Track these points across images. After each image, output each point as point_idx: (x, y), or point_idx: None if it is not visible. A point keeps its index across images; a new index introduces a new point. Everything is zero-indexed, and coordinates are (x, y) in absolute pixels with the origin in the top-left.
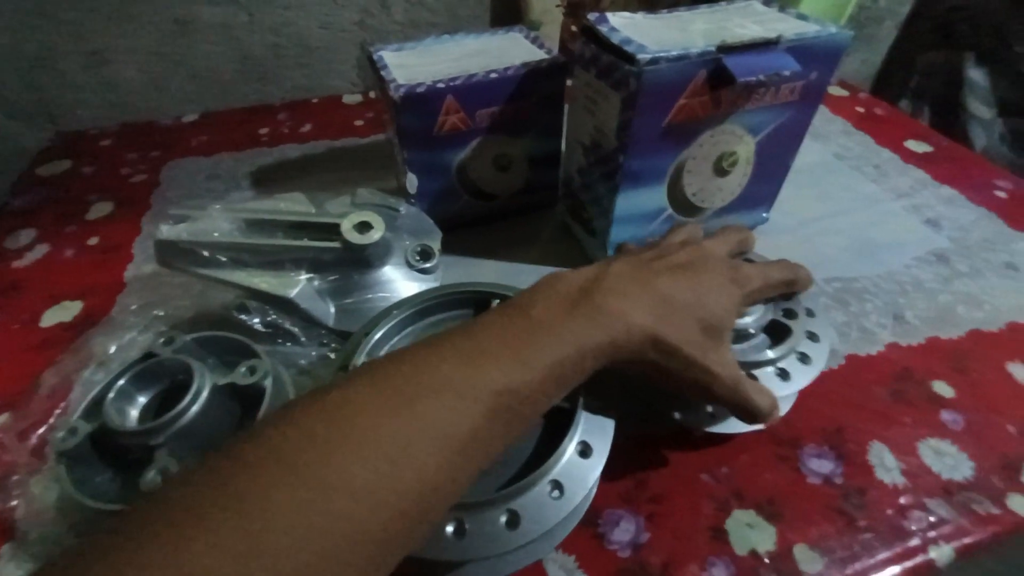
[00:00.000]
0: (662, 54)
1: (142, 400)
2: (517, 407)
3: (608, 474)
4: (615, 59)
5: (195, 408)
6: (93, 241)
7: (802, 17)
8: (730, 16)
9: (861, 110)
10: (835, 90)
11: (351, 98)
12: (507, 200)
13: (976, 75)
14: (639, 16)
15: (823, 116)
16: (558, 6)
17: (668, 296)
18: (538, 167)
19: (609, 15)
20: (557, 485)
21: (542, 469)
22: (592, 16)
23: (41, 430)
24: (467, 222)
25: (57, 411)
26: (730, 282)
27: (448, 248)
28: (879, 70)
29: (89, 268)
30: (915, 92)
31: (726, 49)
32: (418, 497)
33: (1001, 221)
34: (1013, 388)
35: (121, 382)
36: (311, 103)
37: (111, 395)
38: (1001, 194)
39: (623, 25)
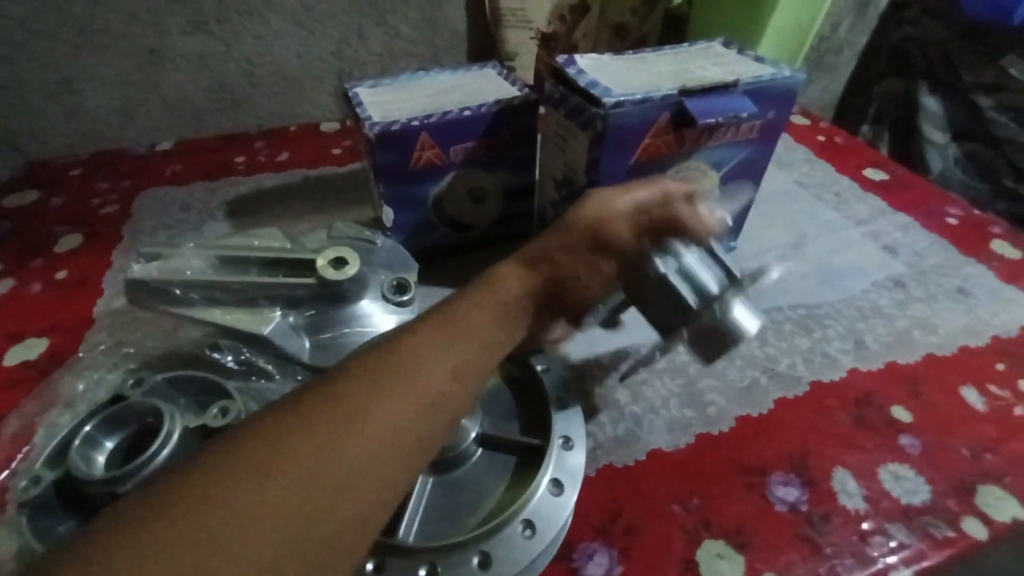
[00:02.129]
0: (627, 97)
1: (109, 445)
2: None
3: (582, 506)
4: (582, 101)
5: (164, 453)
6: (61, 275)
7: (759, 59)
8: (692, 58)
9: (822, 139)
10: (797, 119)
11: (328, 126)
12: (483, 231)
13: (930, 102)
14: (606, 57)
15: (786, 145)
16: (532, 38)
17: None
18: (513, 198)
19: (577, 57)
20: (529, 524)
21: (513, 509)
22: (561, 58)
23: (2, 476)
24: (443, 253)
25: (19, 456)
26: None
27: (425, 279)
28: (840, 97)
29: (56, 303)
30: (874, 118)
31: (687, 92)
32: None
33: (952, 247)
34: (965, 411)
35: (87, 428)
36: (288, 131)
37: (77, 442)
38: (952, 220)
39: (590, 67)
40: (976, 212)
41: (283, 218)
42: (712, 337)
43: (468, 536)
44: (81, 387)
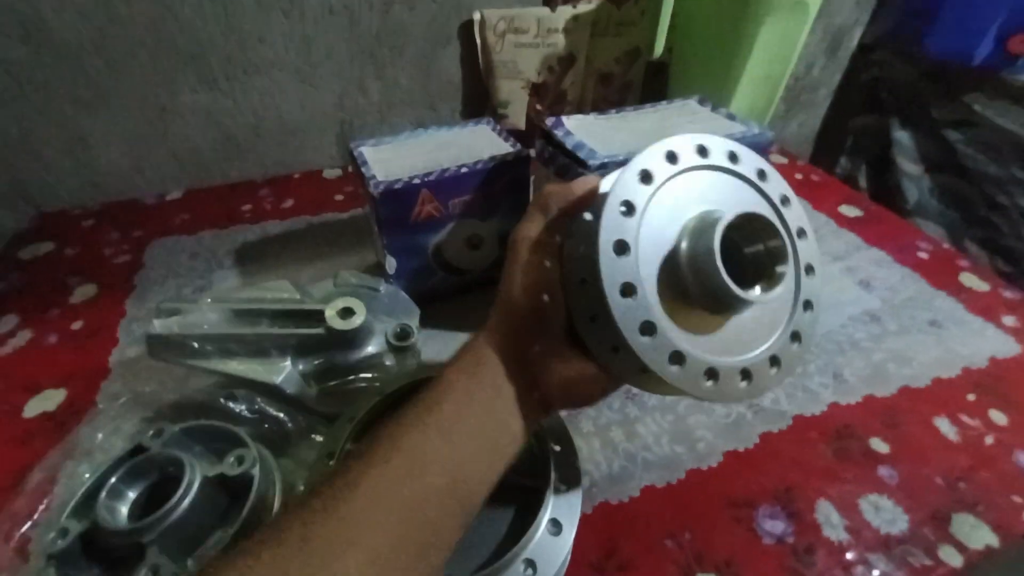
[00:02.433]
0: (609, 159)
1: (131, 495)
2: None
3: (579, 544)
4: (570, 161)
5: (186, 502)
6: (77, 325)
7: (731, 117)
8: (671, 116)
9: (799, 176)
10: (776, 158)
11: (331, 172)
12: (479, 274)
13: (902, 137)
14: (591, 117)
15: None
16: (523, 88)
17: None
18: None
19: (564, 118)
20: (531, 564)
21: (515, 550)
22: (550, 120)
23: (25, 527)
24: (442, 296)
25: (41, 507)
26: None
27: (426, 321)
28: (818, 132)
29: (73, 353)
30: (851, 151)
31: None
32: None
33: (924, 280)
34: (939, 442)
35: (112, 480)
36: (292, 178)
37: (104, 494)
38: (923, 255)
39: (576, 128)
40: (945, 246)
41: (288, 264)
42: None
43: None
44: (100, 437)
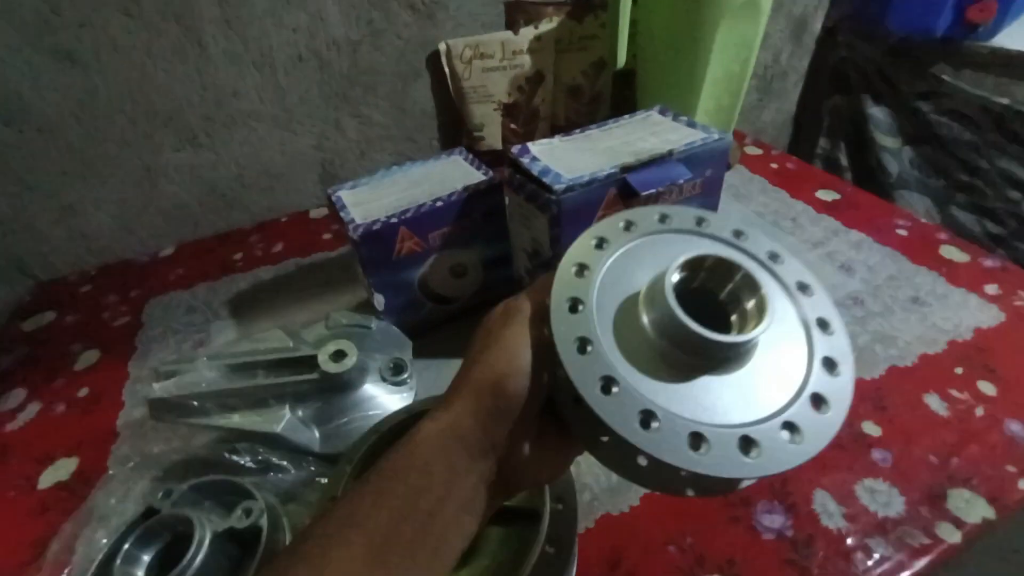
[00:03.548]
0: (575, 181)
1: (146, 559)
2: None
3: (583, 558)
4: (537, 188)
5: (198, 560)
6: (83, 392)
7: (691, 124)
8: (634, 130)
9: (775, 166)
10: (751, 149)
11: (317, 212)
12: (468, 300)
13: (876, 112)
14: (556, 140)
15: (743, 176)
16: (496, 110)
17: None
18: (492, 268)
19: (530, 144)
20: None
21: None
22: (515, 149)
23: None
24: (433, 326)
25: None
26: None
27: (419, 352)
28: (794, 116)
29: (80, 421)
30: (828, 132)
31: (628, 168)
32: None
33: (904, 258)
34: (929, 418)
35: (126, 546)
36: (280, 222)
37: (118, 561)
38: (902, 232)
39: (542, 153)
40: (923, 221)
41: (282, 309)
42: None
43: None
44: (113, 502)
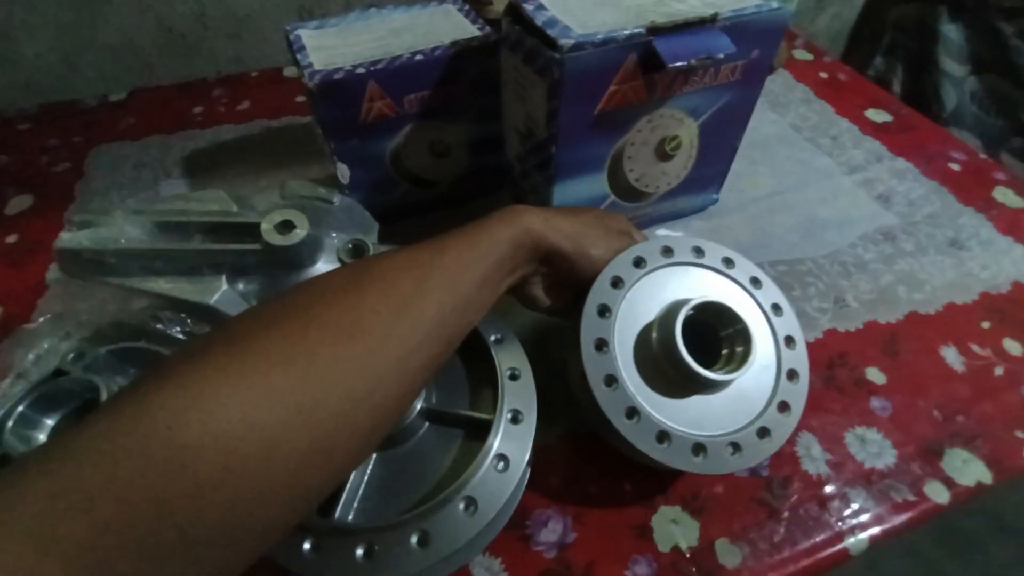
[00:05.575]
0: (587, 38)
1: (49, 423)
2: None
3: (539, 473)
4: (539, 43)
5: None
6: (12, 239)
7: None
8: None
9: (824, 75)
10: (800, 54)
11: (292, 71)
12: (450, 187)
13: (948, 30)
14: None
15: (785, 83)
16: None
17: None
18: (480, 151)
19: None
20: (472, 501)
21: (454, 487)
22: None
23: None
24: (408, 211)
25: None
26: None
27: (389, 239)
28: (853, 25)
29: (8, 269)
30: (888, 48)
31: (657, 30)
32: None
33: (951, 195)
34: (942, 371)
35: (21, 408)
36: (249, 77)
37: (11, 423)
38: (955, 166)
39: (552, 2)
40: (982, 157)
41: (242, 175)
42: None
43: (406, 516)
44: (32, 357)
